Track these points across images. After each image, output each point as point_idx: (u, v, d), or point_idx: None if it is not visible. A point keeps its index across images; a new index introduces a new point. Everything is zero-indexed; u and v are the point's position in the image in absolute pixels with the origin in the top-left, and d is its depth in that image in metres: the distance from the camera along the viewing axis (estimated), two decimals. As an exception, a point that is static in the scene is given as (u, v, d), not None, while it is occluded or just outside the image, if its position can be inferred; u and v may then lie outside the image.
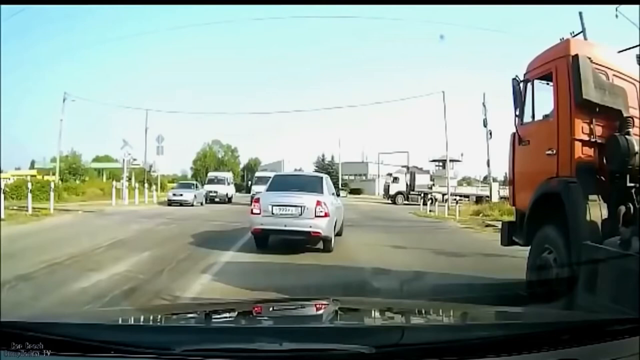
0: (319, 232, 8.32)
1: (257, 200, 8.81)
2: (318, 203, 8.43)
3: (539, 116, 5.34)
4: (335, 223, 9.19)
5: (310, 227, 8.28)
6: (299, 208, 8.38)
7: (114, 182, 26.84)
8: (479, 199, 29.84)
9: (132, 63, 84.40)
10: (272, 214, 8.46)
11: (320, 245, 8.64)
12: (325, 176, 10.47)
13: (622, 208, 4.13)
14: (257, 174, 32.08)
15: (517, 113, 5.47)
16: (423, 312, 2.33)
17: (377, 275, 6.26)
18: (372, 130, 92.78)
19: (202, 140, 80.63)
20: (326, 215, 8.41)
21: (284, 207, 8.46)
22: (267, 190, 9.23)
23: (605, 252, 3.73)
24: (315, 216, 8.32)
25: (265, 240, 8.81)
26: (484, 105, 24.90)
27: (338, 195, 11.17)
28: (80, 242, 9.04)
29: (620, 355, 1.42)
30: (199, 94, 77.79)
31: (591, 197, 4.23)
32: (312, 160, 63.58)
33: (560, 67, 4.71)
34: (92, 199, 26.09)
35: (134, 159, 30.57)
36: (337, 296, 3.69)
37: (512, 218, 6.08)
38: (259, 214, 8.56)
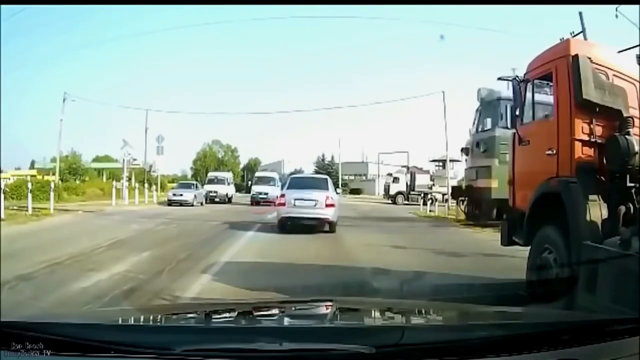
0: (327, 218, 11.69)
1: (283, 196, 12.13)
2: (327, 197, 11.79)
3: (539, 116, 5.34)
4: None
5: (322, 214, 11.64)
6: (313, 201, 11.68)
7: (114, 182, 26.85)
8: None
9: (132, 63, 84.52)
10: (295, 205, 11.71)
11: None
12: (327, 177, 13.73)
13: (622, 208, 4.13)
14: (257, 174, 32.25)
15: (517, 113, 5.47)
16: (423, 312, 2.33)
17: (377, 275, 6.26)
18: (372, 130, 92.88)
19: (202, 140, 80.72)
20: (332, 205, 11.79)
21: (302, 201, 11.72)
22: (287, 189, 12.52)
23: (605, 252, 3.73)
24: (325, 206, 11.64)
25: (287, 226, 11.75)
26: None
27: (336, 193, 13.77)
28: (80, 242, 9.04)
29: (620, 355, 1.42)
30: (199, 94, 77.80)
31: (591, 197, 4.23)
32: (312, 160, 63.56)
33: (560, 67, 4.71)
34: (92, 199, 26.10)
35: (134, 159, 30.54)
36: (337, 296, 3.69)
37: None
38: (285, 205, 11.80)
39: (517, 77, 5.70)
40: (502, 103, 14.54)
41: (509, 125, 14.30)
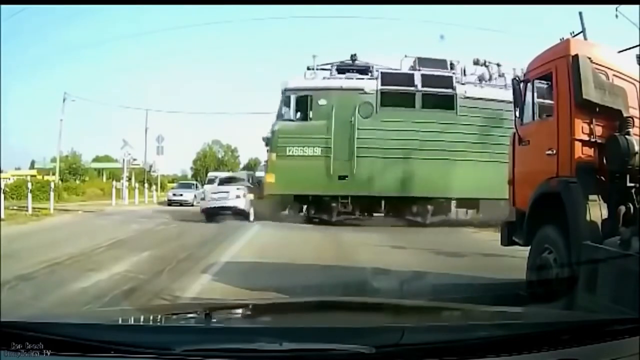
0: (237, 206, 14.04)
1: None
2: (237, 189, 14.41)
3: (539, 116, 5.34)
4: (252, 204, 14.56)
5: (233, 204, 14.07)
6: (226, 193, 14.40)
7: (114, 182, 26.86)
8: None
9: (132, 63, 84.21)
10: (212, 199, 14.61)
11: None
12: (248, 173, 17.78)
13: (622, 208, 4.13)
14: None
15: (517, 113, 5.48)
16: (423, 312, 2.32)
17: (377, 275, 6.25)
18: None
19: (202, 140, 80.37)
20: (242, 197, 14.17)
21: (217, 194, 14.65)
22: (207, 184, 16.46)
23: (605, 252, 3.73)
24: (235, 197, 14.16)
25: (212, 216, 14.19)
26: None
27: None
28: (80, 242, 9.04)
29: (620, 355, 1.42)
30: (199, 94, 77.64)
31: (591, 197, 4.23)
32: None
33: (560, 67, 4.71)
34: (92, 199, 26.10)
35: (134, 159, 30.57)
36: (337, 296, 3.69)
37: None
38: (205, 199, 15.21)
39: (517, 77, 5.70)
40: (286, 94, 14.38)
41: (291, 117, 14.42)
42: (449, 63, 14.95)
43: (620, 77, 4.74)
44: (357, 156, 13.70)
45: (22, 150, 68.03)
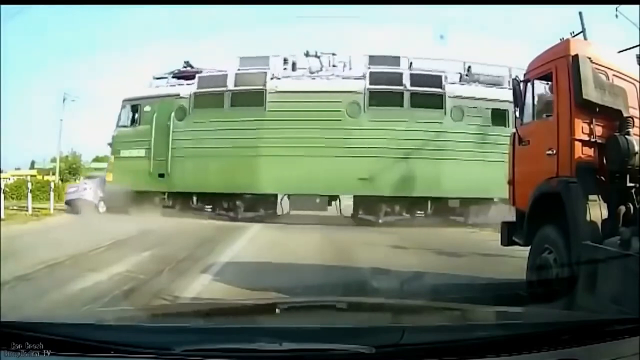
0: (83, 196, 16.63)
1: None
2: (85, 184, 17.71)
3: (539, 116, 5.34)
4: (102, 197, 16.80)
5: (81, 195, 16.68)
6: (76, 188, 17.82)
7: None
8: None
9: (133, 63, 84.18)
10: (68, 192, 17.75)
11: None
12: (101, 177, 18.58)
13: (622, 208, 4.13)
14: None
15: (517, 113, 5.48)
16: (423, 312, 2.32)
17: (377, 275, 6.24)
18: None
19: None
20: (89, 190, 16.87)
21: (72, 188, 18.08)
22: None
23: (605, 252, 3.73)
24: (83, 190, 17.10)
25: (72, 206, 16.70)
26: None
27: None
28: (80, 242, 9.03)
29: (620, 355, 1.42)
30: (199, 94, 77.38)
31: (591, 197, 4.23)
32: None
33: (560, 67, 4.71)
34: (92, 199, 26.03)
35: (134, 159, 30.47)
36: (337, 296, 3.69)
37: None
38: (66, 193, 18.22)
39: (517, 77, 5.71)
40: (123, 104, 16.34)
41: (126, 124, 16.26)
42: (281, 60, 15.65)
43: (620, 77, 4.74)
44: (172, 156, 15.24)
45: (22, 150, 68.07)
